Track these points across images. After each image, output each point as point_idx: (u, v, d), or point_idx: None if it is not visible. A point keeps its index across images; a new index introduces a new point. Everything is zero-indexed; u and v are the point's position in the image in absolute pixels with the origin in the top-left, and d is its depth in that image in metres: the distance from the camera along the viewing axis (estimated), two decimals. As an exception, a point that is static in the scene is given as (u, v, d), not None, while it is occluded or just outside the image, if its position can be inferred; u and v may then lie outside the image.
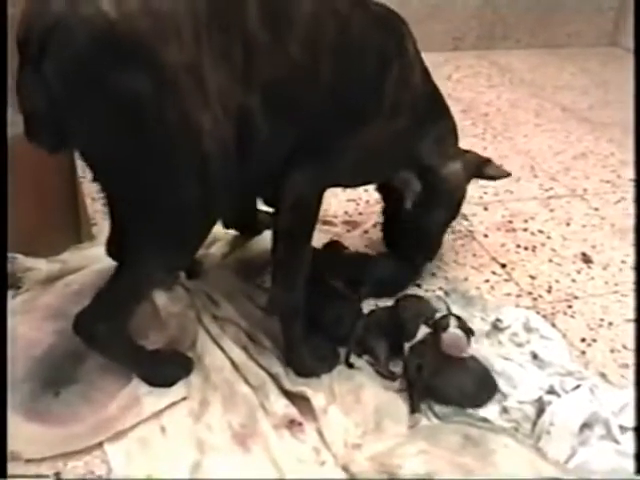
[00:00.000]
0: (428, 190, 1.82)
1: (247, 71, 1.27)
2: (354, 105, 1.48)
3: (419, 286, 1.92)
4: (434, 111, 1.78)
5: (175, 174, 1.26)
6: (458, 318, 1.62)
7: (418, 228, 1.87)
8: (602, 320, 1.88)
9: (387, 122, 1.56)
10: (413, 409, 1.53)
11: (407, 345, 1.64)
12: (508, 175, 1.96)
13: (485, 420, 1.50)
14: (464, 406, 1.54)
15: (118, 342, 1.47)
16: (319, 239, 2.07)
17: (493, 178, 1.98)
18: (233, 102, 1.26)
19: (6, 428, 1.22)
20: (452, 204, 1.91)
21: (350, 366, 1.62)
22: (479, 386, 1.57)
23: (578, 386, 1.55)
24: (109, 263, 1.63)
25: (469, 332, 1.60)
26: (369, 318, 1.72)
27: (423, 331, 1.65)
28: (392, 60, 1.53)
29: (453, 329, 1.57)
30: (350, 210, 2.29)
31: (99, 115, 1.18)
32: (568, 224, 2.35)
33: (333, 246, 1.98)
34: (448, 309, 1.76)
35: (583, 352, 1.75)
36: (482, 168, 1.91)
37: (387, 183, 1.89)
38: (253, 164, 1.36)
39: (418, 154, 1.77)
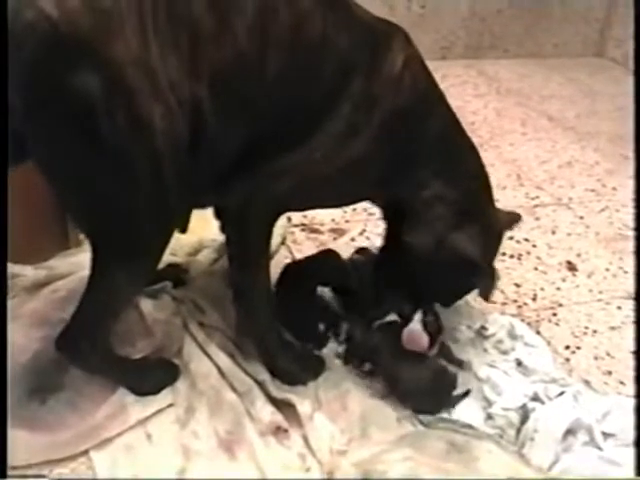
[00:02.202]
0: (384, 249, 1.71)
1: (194, 59, 1.21)
2: (298, 113, 1.36)
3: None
4: (429, 160, 1.54)
5: (128, 178, 1.22)
6: (435, 314, 1.62)
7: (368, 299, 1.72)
8: (586, 328, 1.90)
9: (338, 145, 1.40)
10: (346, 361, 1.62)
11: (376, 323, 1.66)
12: (486, 300, 1.67)
13: (470, 427, 1.51)
14: (413, 403, 1.55)
15: (101, 357, 1.47)
16: (306, 247, 2.09)
17: (479, 291, 1.67)
18: (185, 92, 1.21)
19: (6, 431, 1.21)
20: (401, 277, 1.63)
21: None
22: (432, 387, 1.56)
23: (562, 393, 1.56)
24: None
25: (435, 329, 1.59)
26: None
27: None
28: (354, 73, 1.37)
29: (415, 324, 1.57)
30: (337, 217, 2.29)
31: (53, 121, 1.16)
32: (553, 232, 2.37)
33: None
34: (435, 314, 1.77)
35: (567, 359, 1.77)
36: (472, 271, 1.57)
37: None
38: (204, 161, 1.30)
39: (394, 200, 1.59)
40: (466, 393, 1.59)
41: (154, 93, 1.17)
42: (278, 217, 1.53)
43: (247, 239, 1.51)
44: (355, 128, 1.40)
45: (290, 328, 1.70)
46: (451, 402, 1.57)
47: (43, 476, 1.33)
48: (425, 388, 1.56)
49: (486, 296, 1.65)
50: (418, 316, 1.58)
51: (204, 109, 1.24)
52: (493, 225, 1.68)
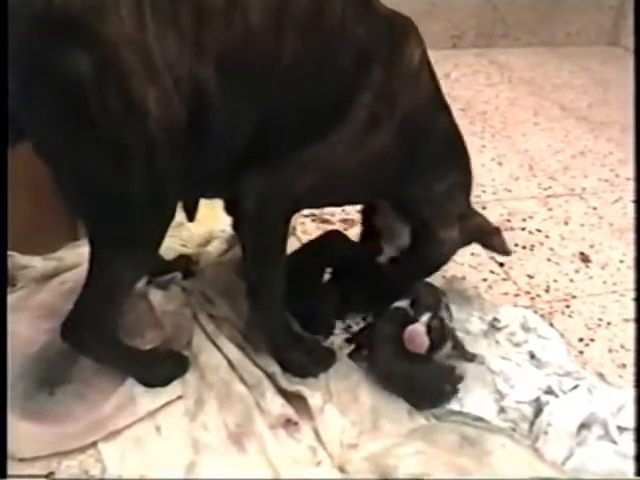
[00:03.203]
0: (413, 250, 1.65)
1: (198, 37, 1.17)
2: (315, 101, 1.33)
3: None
4: (443, 154, 1.57)
5: (120, 163, 1.19)
6: (441, 321, 1.58)
7: (378, 285, 1.71)
8: (600, 320, 1.88)
9: (360, 138, 1.39)
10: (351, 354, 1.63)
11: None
12: (508, 254, 1.78)
13: (482, 420, 1.50)
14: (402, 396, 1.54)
15: (107, 347, 1.46)
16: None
17: (495, 250, 1.77)
18: (185, 72, 1.17)
19: (6, 428, 1.21)
20: (432, 271, 1.75)
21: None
22: (420, 389, 1.55)
23: (576, 386, 1.55)
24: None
25: (438, 336, 1.55)
26: None
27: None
28: (373, 63, 1.36)
29: (419, 325, 1.54)
30: (347, 208, 2.26)
31: (45, 102, 1.13)
32: (566, 223, 2.34)
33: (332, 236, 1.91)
34: (447, 306, 1.74)
35: (581, 352, 1.75)
36: (486, 238, 1.71)
37: (371, 224, 1.73)
38: (209, 148, 1.27)
39: (408, 198, 1.58)
40: (455, 391, 1.55)
41: (149, 75, 1.14)
42: (294, 214, 1.52)
43: (265, 237, 1.47)
44: (377, 120, 1.39)
45: (296, 317, 1.68)
46: (443, 399, 1.54)
47: (45, 476, 1.32)
48: (416, 384, 1.54)
49: (506, 250, 1.75)
50: (425, 317, 1.55)
51: (209, 91, 1.21)
52: None
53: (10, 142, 1.20)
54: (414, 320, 1.56)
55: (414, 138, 1.46)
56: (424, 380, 1.55)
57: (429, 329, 1.54)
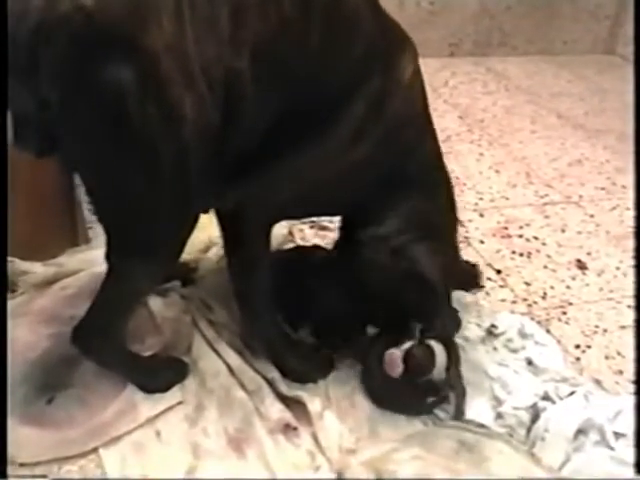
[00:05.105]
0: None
1: (235, 32, 1.17)
2: (328, 93, 1.33)
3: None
4: (418, 182, 1.55)
5: (153, 169, 1.20)
6: (430, 350, 1.53)
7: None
8: (597, 327, 1.89)
9: (345, 148, 1.40)
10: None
11: None
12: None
13: (480, 425, 1.50)
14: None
15: (114, 352, 1.47)
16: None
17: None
18: (220, 70, 1.17)
19: (6, 433, 1.21)
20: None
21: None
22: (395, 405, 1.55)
23: (573, 392, 1.56)
24: (105, 267, 1.62)
25: (417, 365, 1.51)
26: None
27: None
28: (374, 68, 1.37)
29: (398, 350, 1.51)
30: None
31: (86, 113, 1.13)
32: (563, 231, 2.36)
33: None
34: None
35: (578, 358, 1.76)
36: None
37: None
38: (237, 140, 1.27)
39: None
40: (444, 398, 1.55)
41: (186, 82, 1.14)
42: (277, 221, 1.53)
43: (249, 243, 1.49)
44: (363, 132, 1.39)
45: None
46: (423, 410, 1.54)
47: (44, 476, 1.33)
48: (391, 401, 1.55)
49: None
50: (407, 345, 1.52)
51: (243, 80, 1.20)
52: (453, 258, 1.68)
53: (38, 154, 1.21)
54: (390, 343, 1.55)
55: (394, 156, 1.47)
56: (395, 399, 1.55)
57: (406, 355, 1.50)
